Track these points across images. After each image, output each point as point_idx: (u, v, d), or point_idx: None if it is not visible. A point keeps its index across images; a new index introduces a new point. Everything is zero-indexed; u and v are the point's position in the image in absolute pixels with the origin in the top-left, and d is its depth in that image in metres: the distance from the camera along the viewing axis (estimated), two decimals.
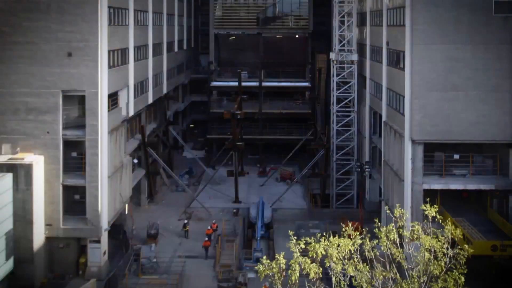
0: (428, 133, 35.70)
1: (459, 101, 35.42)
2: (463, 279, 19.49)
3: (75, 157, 37.62)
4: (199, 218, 48.22)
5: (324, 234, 21.36)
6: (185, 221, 45.50)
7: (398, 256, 20.39)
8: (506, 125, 35.11)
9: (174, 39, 64.02)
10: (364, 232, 20.78)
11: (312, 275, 19.50)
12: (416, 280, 20.02)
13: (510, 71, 35.04)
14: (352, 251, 19.83)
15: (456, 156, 37.14)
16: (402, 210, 21.57)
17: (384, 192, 43.05)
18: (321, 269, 19.44)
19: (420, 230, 20.52)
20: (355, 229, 20.67)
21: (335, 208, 50.90)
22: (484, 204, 37.50)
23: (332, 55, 52.58)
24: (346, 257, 19.83)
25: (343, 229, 20.60)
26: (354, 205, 51.17)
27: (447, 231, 20.35)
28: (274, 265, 20.03)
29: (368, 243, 20.36)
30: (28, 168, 34.46)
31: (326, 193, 53.07)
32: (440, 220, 21.30)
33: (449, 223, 20.85)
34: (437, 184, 35.88)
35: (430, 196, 34.94)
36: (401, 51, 37.91)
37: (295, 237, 20.11)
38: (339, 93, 52.07)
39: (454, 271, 19.62)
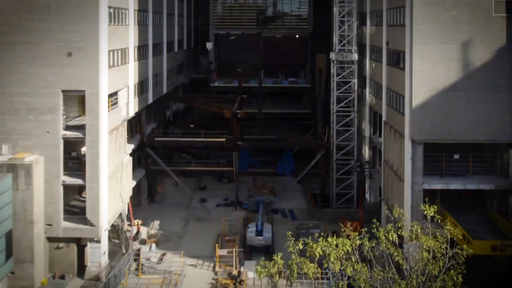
0: (428, 133, 35.68)
1: (459, 101, 35.40)
2: (460, 278, 19.49)
3: (75, 157, 37.63)
4: (199, 218, 48.24)
5: (322, 234, 21.40)
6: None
7: (397, 256, 20.40)
8: (506, 125, 35.10)
9: (174, 39, 63.97)
10: (363, 232, 20.80)
11: (310, 275, 19.54)
12: (414, 279, 20.04)
13: (510, 71, 35.03)
14: (350, 251, 19.86)
15: (456, 156, 37.13)
16: (401, 210, 21.59)
17: (384, 192, 43.05)
18: (319, 269, 19.50)
19: (419, 230, 20.54)
20: (355, 229, 20.70)
21: (335, 208, 50.88)
22: (484, 204, 37.47)
23: (332, 55, 52.60)
24: (344, 257, 19.88)
25: (342, 229, 20.61)
26: (354, 205, 51.17)
27: (446, 231, 20.37)
28: (272, 266, 20.06)
29: (367, 243, 20.38)
30: (28, 168, 34.46)
31: (326, 193, 53.06)
32: (439, 220, 21.30)
33: (449, 223, 20.89)
34: (437, 184, 35.88)
35: (430, 196, 35.05)
36: (401, 51, 37.91)
37: (295, 237, 20.12)
38: (339, 93, 52.08)
39: (452, 271, 19.62)
